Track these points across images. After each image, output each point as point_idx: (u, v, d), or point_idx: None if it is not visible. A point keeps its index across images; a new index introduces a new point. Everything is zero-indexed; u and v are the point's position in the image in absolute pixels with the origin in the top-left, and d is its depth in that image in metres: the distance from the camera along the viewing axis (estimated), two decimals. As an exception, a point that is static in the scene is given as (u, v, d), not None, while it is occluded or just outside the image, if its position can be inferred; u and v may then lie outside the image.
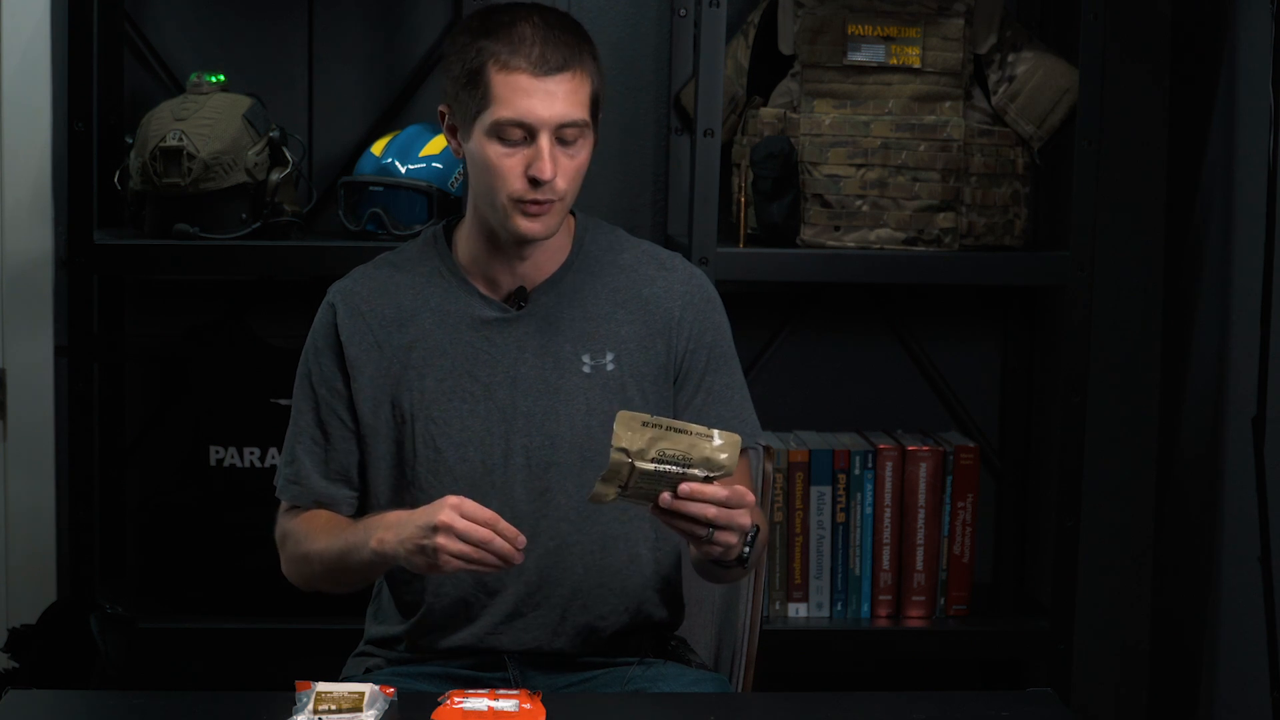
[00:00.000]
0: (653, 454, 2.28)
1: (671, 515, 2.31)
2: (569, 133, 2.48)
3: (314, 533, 2.56)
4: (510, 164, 2.48)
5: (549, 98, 2.47)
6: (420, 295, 2.59)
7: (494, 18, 2.52)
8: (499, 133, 2.48)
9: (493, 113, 2.48)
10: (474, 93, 2.49)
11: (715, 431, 2.31)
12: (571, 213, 2.64)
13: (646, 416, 2.29)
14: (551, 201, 2.50)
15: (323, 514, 2.60)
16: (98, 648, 3.13)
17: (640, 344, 2.59)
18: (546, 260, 2.59)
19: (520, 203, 2.49)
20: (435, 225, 2.67)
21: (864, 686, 3.64)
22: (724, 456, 2.30)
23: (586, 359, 2.57)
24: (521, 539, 2.34)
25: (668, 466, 2.29)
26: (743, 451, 2.62)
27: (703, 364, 2.61)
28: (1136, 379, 3.72)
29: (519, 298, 2.57)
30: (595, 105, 2.52)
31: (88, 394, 3.27)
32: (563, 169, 2.49)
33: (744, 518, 2.33)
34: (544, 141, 2.47)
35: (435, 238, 2.64)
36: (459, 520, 2.33)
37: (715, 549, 2.35)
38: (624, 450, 2.28)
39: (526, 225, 2.50)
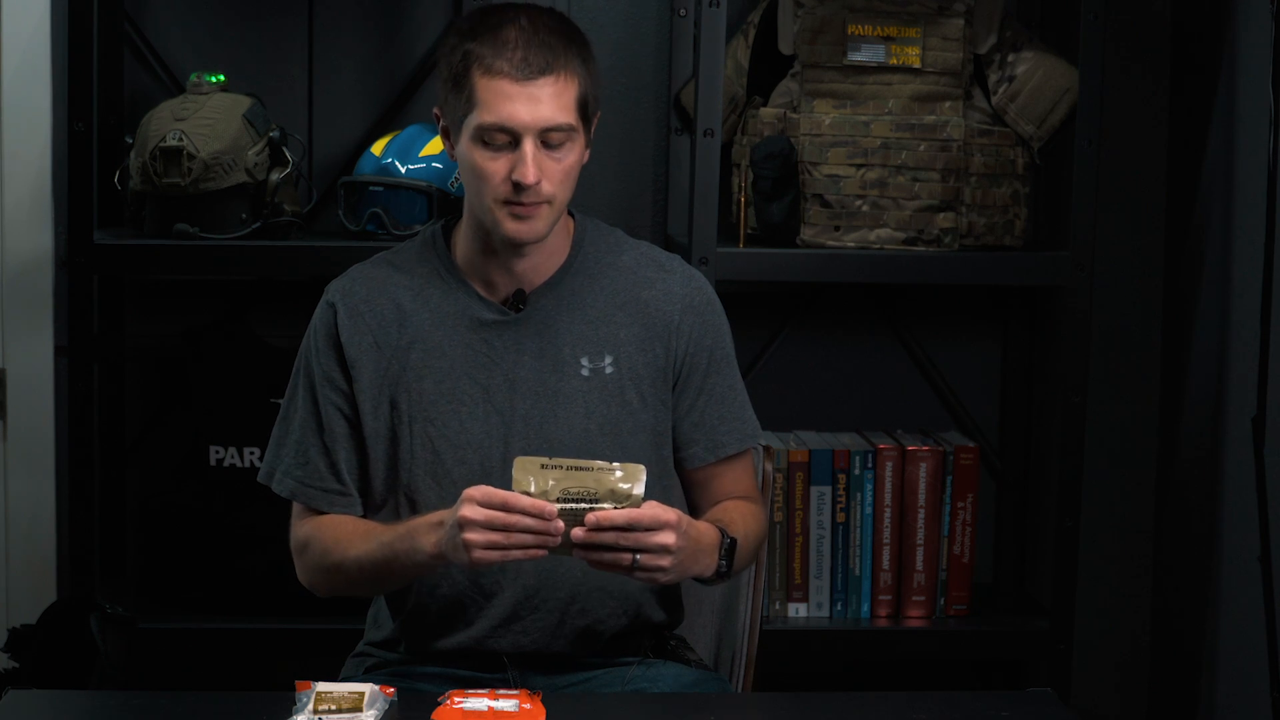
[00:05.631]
0: (557, 495, 2.27)
1: (592, 551, 2.29)
2: (554, 137, 2.47)
3: (344, 541, 2.51)
4: (495, 168, 2.47)
5: (531, 102, 2.45)
6: (419, 295, 2.58)
7: (482, 20, 2.51)
8: (483, 137, 2.47)
9: (477, 117, 2.47)
10: (460, 96, 2.49)
11: (616, 464, 2.29)
12: (571, 214, 2.63)
13: (544, 459, 2.28)
14: (538, 204, 2.48)
15: (347, 521, 2.55)
16: (98, 648, 3.13)
17: (639, 347, 2.58)
18: (545, 262, 2.58)
19: (506, 204, 2.48)
20: (433, 225, 2.66)
21: (864, 686, 3.64)
22: (629, 487, 2.28)
23: (585, 362, 2.56)
24: (550, 509, 2.28)
25: (575, 504, 2.27)
26: (743, 452, 2.64)
27: (703, 367, 2.61)
28: (1136, 379, 3.72)
29: (518, 300, 2.57)
30: (584, 107, 2.51)
31: (88, 394, 3.27)
32: (548, 172, 2.47)
33: (665, 537, 2.29)
34: (527, 146, 2.46)
35: (434, 238, 2.63)
36: (479, 511, 2.29)
37: (656, 577, 2.32)
38: (527, 495, 2.27)
39: (514, 228, 2.49)
